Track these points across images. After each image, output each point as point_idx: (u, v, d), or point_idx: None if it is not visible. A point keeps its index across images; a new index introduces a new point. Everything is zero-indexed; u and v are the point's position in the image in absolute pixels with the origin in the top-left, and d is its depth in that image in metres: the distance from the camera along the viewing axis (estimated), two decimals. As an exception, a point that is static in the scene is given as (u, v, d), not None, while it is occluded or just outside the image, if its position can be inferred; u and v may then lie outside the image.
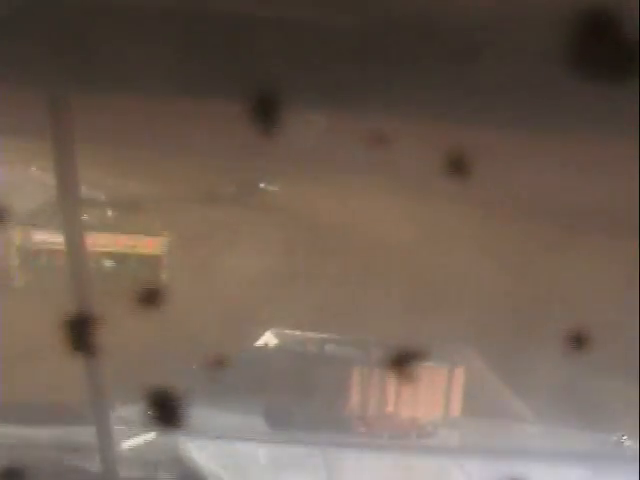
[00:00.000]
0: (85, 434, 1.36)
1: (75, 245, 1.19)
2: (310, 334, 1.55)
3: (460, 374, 1.60)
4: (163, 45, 0.98)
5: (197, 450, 1.39)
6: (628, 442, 1.42)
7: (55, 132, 1.18)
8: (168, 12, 0.96)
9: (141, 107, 1.13)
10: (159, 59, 0.99)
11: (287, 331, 1.58)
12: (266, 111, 0.93)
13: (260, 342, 1.57)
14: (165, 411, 1.20)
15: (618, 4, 0.74)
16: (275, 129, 0.97)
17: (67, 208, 1.19)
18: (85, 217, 1.46)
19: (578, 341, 1.22)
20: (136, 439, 1.41)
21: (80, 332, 1.20)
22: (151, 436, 1.41)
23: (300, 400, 1.49)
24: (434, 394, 1.57)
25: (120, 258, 1.62)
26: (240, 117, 0.95)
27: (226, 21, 0.94)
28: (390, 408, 1.55)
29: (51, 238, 1.60)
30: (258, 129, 0.97)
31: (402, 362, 1.52)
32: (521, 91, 0.91)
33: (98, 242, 1.56)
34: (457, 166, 1.03)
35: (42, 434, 1.37)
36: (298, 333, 1.57)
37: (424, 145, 1.07)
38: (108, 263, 1.58)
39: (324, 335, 1.55)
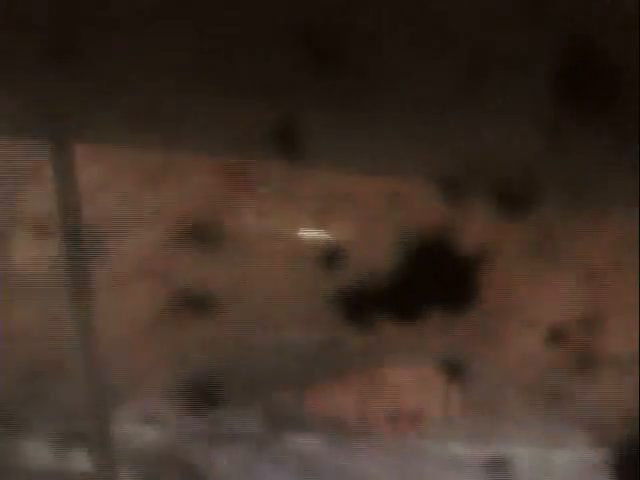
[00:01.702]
0: (85, 434, 1.38)
1: (76, 247, 1.20)
2: (311, 333, 1.56)
3: (459, 373, 1.62)
4: (167, 47, 0.98)
5: (197, 450, 1.41)
6: (626, 444, 1.44)
7: (55, 132, 1.18)
8: (170, 12, 0.97)
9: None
10: (165, 61, 1.00)
11: (288, 329, 1.59)
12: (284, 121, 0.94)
13: (260, 341, 1.58)
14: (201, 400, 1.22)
15: (602, 33, 0.76)
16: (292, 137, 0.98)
17: (67, 209, 1.20)
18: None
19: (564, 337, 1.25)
20: (136, 439, 1.42)
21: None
22: (152, 436, 1.43)
23: (299, 400, 1.50)
24: (434, 394, 1.59)
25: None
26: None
27: (235, 26, 0.95)
28: (390, 408, 1.56)
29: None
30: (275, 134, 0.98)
31: (401, 362, 1.53)
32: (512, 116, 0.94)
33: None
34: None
35: (41, 433, 1.38)
36: (298, 332, 1.58)
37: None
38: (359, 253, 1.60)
39: (325, 334, 1.56)
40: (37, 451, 1.33)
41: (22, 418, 1.34)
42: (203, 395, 1.32)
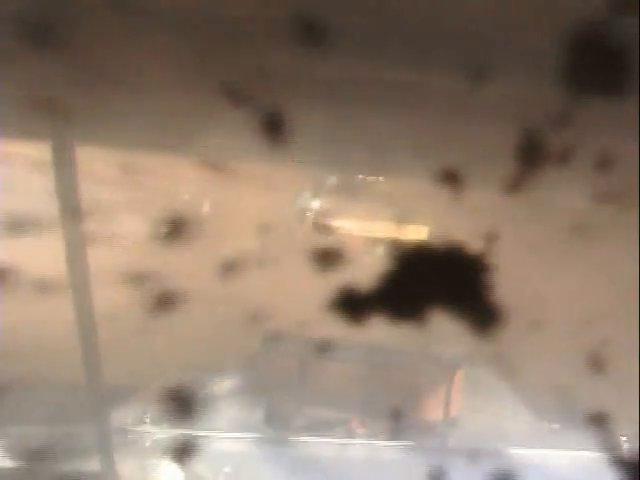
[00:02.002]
0: (85, 434, 1.37)
1: (76, 248, 1.19)
2: (311, 335, 1.56)
3: (460, 374, 1.61)
4: (166, 44, 0.98)
5: (197, 450, 1.40)
6: (627, 444, 1.43)
7: (55, 132, 1.18)
8: (168, 12, 0.96)
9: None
10: (164, 57, 0.99)
11: (288, 330, 1.58)
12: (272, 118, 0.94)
13: (261, 341, 1.57)
14: (182, 408, 1.21)
15: (606, 19, 0.76)
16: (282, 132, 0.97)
17: (67, 210, 1.20)
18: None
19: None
20: (136, 438, 1.42)
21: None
22: (151, 436, 1.42)
23: (300, 400, 1.49)
24: (434, 394, 1.58)
25: (388, 244, 1.56)
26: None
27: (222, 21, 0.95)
28: (390, 409, 1.55)
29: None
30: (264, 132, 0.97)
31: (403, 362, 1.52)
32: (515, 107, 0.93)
33: (369, 228, 1.52)
34: (451, 175, 1.04)
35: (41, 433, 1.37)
36: (299, 334, 1.58)
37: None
38: (379, 250, 1.53)
39: (326, 336, 1.55)
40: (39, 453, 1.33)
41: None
42: (198, 396, 1.31)
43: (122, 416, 1.46)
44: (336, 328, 1.25)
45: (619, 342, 1.29)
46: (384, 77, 0.94)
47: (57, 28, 0.98)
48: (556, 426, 1.55)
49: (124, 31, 0.99)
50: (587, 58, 0.77)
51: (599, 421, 1.34)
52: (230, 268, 1.23)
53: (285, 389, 1.45)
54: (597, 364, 1.25)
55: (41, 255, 1.30)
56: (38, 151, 1.26)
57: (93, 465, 1.35)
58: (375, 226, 1.46)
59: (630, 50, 0.76)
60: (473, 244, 1.12)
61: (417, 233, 1.50)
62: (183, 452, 1.34)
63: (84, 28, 1.00)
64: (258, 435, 1.46)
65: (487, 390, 1.66)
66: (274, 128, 0.98)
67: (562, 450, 1.55)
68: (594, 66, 0.78)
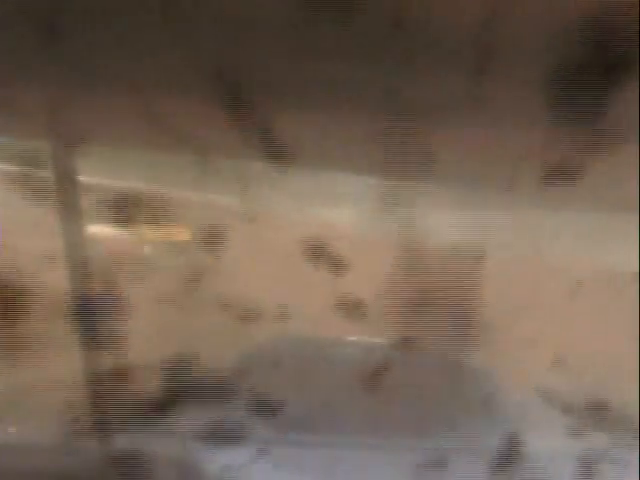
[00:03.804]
0: (82, 433, 1.37)
1: (76, 246, 1.20)
2: (312, 335, 1.56)
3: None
4: (168, 45, 0.99)
5: (197, 449, 1.40)
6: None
7: (55, 133, 1.18)
8: (167, 12, 0.97)
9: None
10: (162, 58, 1.00)
11: (289, 330, 1.59)
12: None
13: (262, 341, 1.58)
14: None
15: (610, 14, 0.77)
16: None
17: (67, 210, 1.20)
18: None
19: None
20: (136, 437, 1.42)
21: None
22: (151, 434, 1.43)
23: (300, 400, 1.50)
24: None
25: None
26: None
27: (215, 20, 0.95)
28: (389, 408, 1.56)
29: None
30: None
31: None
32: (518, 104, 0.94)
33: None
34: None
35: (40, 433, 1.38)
36: (300, 333, 1.58)
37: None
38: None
39: (327, 335, 1.56)
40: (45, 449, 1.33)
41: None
42: (205, 393, 1.32)
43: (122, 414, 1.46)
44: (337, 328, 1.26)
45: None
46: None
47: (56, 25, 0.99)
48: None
49: (123, 29, 0.99)
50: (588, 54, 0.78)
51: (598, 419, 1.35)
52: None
53: (285, 388, 1.46)
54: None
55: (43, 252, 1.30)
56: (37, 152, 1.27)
57: (91, 464, 1.36)
58: (376, 229, 1.48)
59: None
60: (469, 244, 1.12)
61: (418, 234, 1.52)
62: (181, 450, 1.35)
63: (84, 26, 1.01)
64: (256, 434, 1.47)
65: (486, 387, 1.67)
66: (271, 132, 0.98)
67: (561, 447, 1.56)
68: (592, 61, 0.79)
